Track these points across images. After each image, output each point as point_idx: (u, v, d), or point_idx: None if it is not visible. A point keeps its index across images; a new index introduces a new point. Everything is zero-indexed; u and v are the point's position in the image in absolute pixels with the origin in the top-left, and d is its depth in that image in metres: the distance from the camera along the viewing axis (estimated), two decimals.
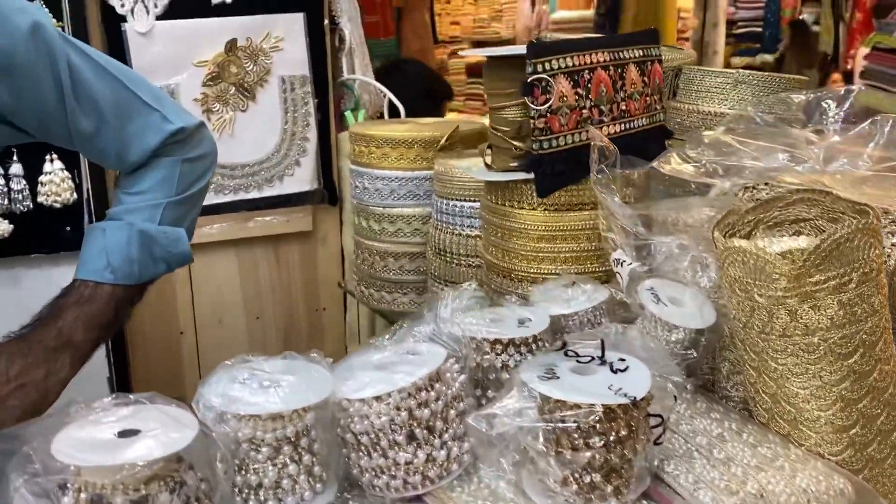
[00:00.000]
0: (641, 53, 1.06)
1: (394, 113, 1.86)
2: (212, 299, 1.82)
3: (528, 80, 0.92)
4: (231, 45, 1.70)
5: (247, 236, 1.82)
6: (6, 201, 1.47)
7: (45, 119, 0.87)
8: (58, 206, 1.52)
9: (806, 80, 1.29)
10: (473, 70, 9.99)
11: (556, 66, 0.93)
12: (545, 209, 1.01)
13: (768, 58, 5.12)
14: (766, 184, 0.83)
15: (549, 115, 0.94)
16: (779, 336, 0.67)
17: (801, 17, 5.12)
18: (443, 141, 1.40)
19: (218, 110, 1.72)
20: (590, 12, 7.40)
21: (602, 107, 1.00)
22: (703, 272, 0.81)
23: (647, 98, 1.08)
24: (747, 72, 1.25)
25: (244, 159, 1.77)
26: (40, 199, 1.51)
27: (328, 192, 1.87)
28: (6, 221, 1.48)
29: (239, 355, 0.66)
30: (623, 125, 1.03)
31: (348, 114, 1.87)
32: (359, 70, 1.89)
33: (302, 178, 1.84)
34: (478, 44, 9.94)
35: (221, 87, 1.71)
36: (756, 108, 1.00)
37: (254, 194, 1.79)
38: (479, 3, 9.44)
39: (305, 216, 1.87)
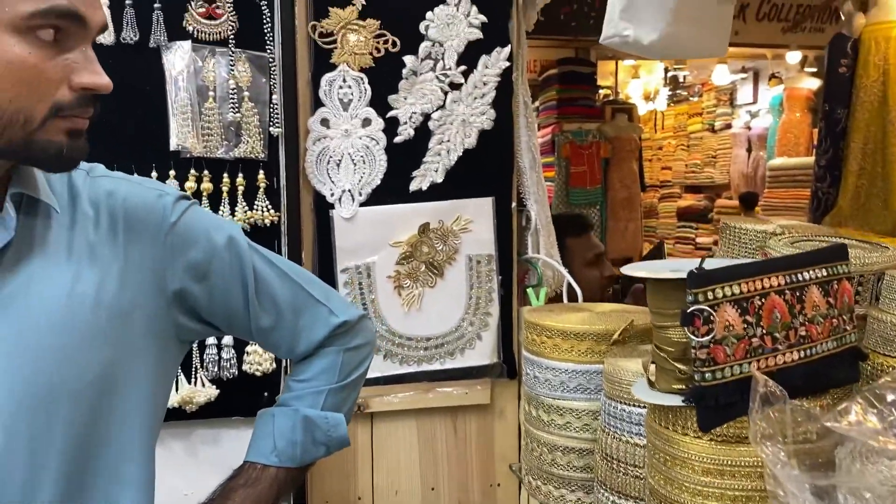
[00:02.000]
0: (826, 273, 0.98)
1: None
2: (390, 467, 1.86)
3: (689, 311, 0.88)
4: (424, 228, 1.82)
5: (427, 406, 1.87)
6: (217, 368, 1.65)
7: (233, 317, 0.99)
8: (259, 374, 1.67)
9: None
10: (683, 213, 9.78)
11: (720, 295, 0.89)
12: (711, 440, 0.94)
13: None
14: None
15: (712, 345, 0.89)
16: None
17: None
18: (616, 336, 1.37)
19: (408, 286, 1.83)
20: (809, 160, 7.02)
21: (776, 334, 0.93)
22: None
23: (834, 320, 0.98)
24: None
25: (430, 332, 1.85)
26: (245, 367, 1.67)
27: (507, 365, 1.88)
28: (213, 386, 1.65)
29: None
30: (802, 352, 0.95)
31: (530, 290, 1.90)
32: (543, 249, 1.93)
33: (483, 352, 1.87)
34: (690, 188, 9.78)
35: (413, 265, 1.83)
36: None
37: (436, 366, 1.85)
38: (691, 148, 9.36)
39: (484, 389, 1.89)
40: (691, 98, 8.52)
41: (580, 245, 2.39)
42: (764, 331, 0.92)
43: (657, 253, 2.46)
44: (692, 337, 0.88)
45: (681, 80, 7.67)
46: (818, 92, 7.17)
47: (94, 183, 0.94)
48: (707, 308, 0.88)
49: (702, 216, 8.87)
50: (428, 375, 1.85)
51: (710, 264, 0.96)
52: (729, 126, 8.49)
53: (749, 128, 8.17)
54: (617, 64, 7.31)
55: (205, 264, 0.95)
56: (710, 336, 0.88)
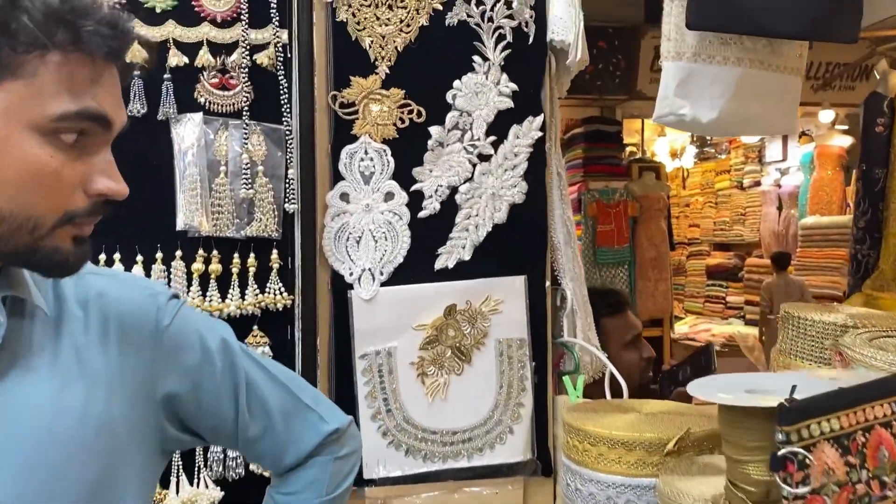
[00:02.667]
0: None
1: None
2: None
3: (780, 453, 0.72)
4: (450, 309, 1.67)
5: None
6: (221, 468, 1.49)
7: (220, 425, 0.93)
8: (267, 474, 1.51)
9: None
10: (713, 271, 9.57)
11: (816, 433, 0.73)
12: None
13: None
14: None
15: (808, 496, 0.72)
16: None
17: None
18: (670, 446, 1.20)
19: (433, 373, 1.67)
20: (844, 218, 6.84)
21: (884, 477, 0.76)
22: None
23: None
24: None
25: (456, 425, 1.68)
26: (252, 466, 1.51)
27: (542, 463, 1.70)
28: (217, 488, 1.49)
29: None
30: None
31: (566, 379, 1.73)
32: (580, 332, 1.77)
33: (515, 447, 1.70)
34: (719, 246, 9.58)
35: (438, 350, 1.67)
36: None
37: (463, 463, 1.68)
38: (720, 206, 9.20)
39: (516, 489, 1.71)
40: (719, 155, 8.40)
41: (617, 325, 2.22)
42: (870, 474, 0.75)
43: (705, 355, 2.28)
44: (785, 486, 0.72)
45: (708, 137, 7.55)
46: (850, 150, 7.02)
47: (82, 281, 0.87)
48: (802, 451, 0.71)
49: (732, 274, 8.67)
50: (454, 474, 1.68)
51: (790, 378, 0.80)
52: (758, 183, 8.35)
53: (779, 185, 8.02)
54: (643, 122, 7.23)
55: (196, 369, 0.90)
56: (806, 485, 0.71)
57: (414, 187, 1.67)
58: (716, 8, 1.22)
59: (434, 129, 1.66)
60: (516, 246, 1.72)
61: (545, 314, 1.74)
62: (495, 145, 1.70)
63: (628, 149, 7.01)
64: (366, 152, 1.65)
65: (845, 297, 5.80)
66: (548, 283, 1.74)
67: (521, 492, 1.71)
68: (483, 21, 1.67)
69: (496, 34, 1.68)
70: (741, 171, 8.53)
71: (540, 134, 1.72)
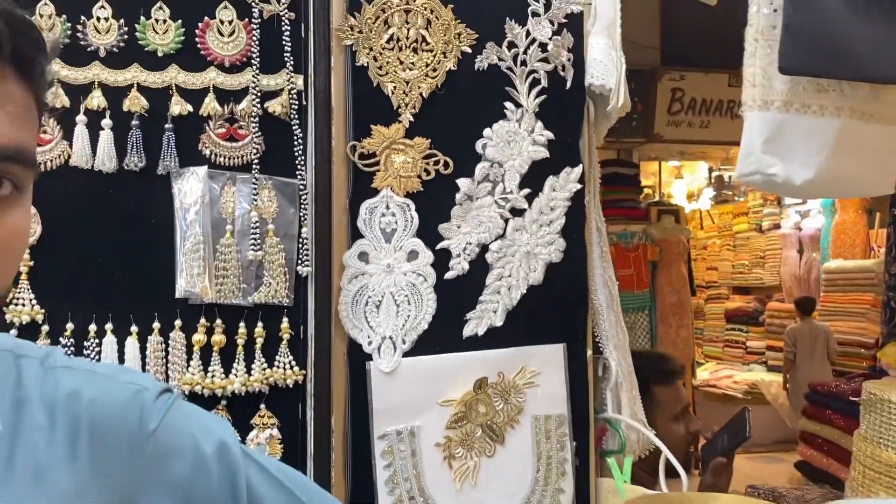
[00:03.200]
0: None
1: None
2: None
3: None
4: (481, 383, 1.49)
5: None
6: None
7: None
8: None
9: None
10: (732, 315, 9.34)
11: None
12: None
13: None
14: None
15: None
16: None
17: None
18: None
19: (461, 456, 1.49)
20: (869, 263, 6.63)
21: None
22: None
23: None
24: None
25: None
26: None
27: None
28: None
29: None
30: None
31: (611, 461, 1.54)
32: (626, 407, 1.58)
33: None
34: (738, 289, 9.37)
35: (467, 429, 1.49)
36: None
37: None
38: (738, 248, 9.02)
39: None
40: (737, 198, 8.24)
41: (669, 395, 2.03)
42: None
43: (741, 422, 2.08)
44: None
45: (726, 179, 7.41)
46: None
47: (51, 378, 0.72)
48: None
49: (752, 318, 8.46)
50: None
51: None
52: (778, 226, 8.19)
53: (800, 228, 7.85)
54: (660, 164, 7.10)
55: (188, 480, 0.74)
56: None
57: (440, 245, 1.50)
58: (813, 49, 1.05)
59: (462, 182, 1.51)
60: (554, 310, 1.54)
61: (587, 387, 1.56)
62: (529, 199, 1.54)
63: (645, 191, 6.87)
64: (387, 207, 1.49)
65: (877, 345, 5.58)
66: (589, 352, 1.56)
67: None
68: (516, 65, 1.53)
69: (530, 78, 1.53)
70: (759, 213, 8.38)
71: (578, 186, 1.56)
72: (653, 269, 6.12)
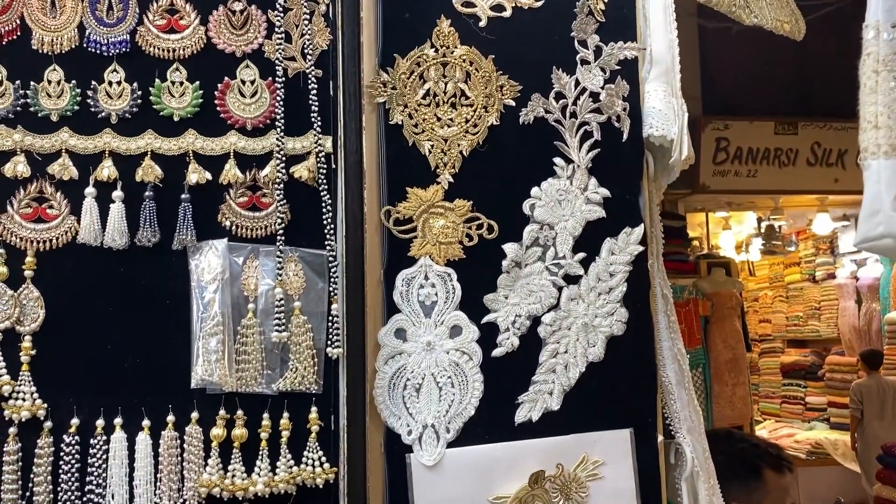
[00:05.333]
0: None
1: None
2: None
3: None
4: (537, 477, 1.31)
5: None
6: None
7: None
8: None
9: None
10: (788, 370, 8.90)
11: None
12: None
13: None
14: None
15: None
16: None
17: None
18: None
19: None
20: None
21: None
22: None
23: None
24: None
25: None
26: None
27: None
28: None
29: None
30: None
31: None
32: (703, 499, 1.37)
33: None
34: (793, 342, 8.96)
35: None
36: None
37: None
38: (791, 300, 8.64)
39: None
40: (787, 248, 7.93)
41: (781, 486, 1.81)
42: None
43: None
44: None
45: (776, 229, 7.14)
46: None
47: None
48: None
49: (810, 373, 8.05)
50: None
51: None
52: (832, 276, 7.83)
53: (856, 278, 7.49)
54: (707, 215, 6.87)
55: None
56: None
57: (486, 319, 1.34)
58: None
59: (509, 248, 1.35)
60: (618, 390, 1.36)
61: (658, 478, 1.36)
62: (585, 264, 1.37)
63: (693, 243, 6.64)
64: (426, 277, 1.34)
65: None
66: (660, 437, 1.37)
67: None
68: (565, 117, 1.38)
69: (581, 131, 1.39)
70: (812, 263, 8.05)
71: (640, 248, 1.39)
72: (704, 325, 5.85)
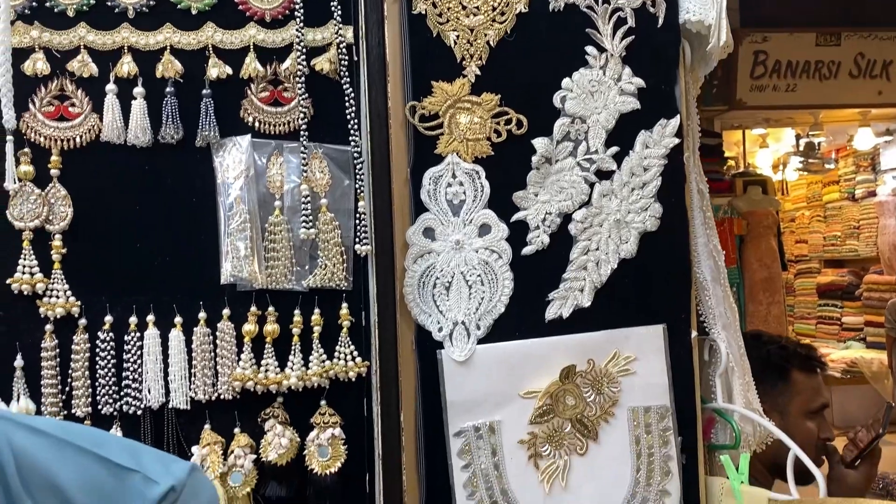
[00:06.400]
0: None
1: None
2: None
3: None
4: (568, 372, 1.30)
5: None
6: None
7: None
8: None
9: None
10: (825, 290, 8.81)
11: None
12: None
13: None
14: None
15: None
16: None
17: None
18: None
19: (548, 454, 1.30)
20: None
21: None
22: None
23: None
24: None
25: None
26: None
27: None
28: None
29: None
30: None
31: (725, 458, 1.32)
32: (738, 396, 1.36)
33: None
34: (830, 262, 8.83)
35: (554, 423, 1.30)
36: None
37: None
38: (829, 219, 8.47)
39: None
40: (827, 166, 7.71)
41: (810, 386, 1.79)
42: None
43: (884, 418, 1.78)
44: None
45: (816, 146, 6.93)
46: None
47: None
48: None
49: (847, 293, 7.94)
50: None
51: None
52: (873, 194, 7.63)
53: None
54: (744, 133, 6.69)
55: None
56: None
57: (515, 217, 1.31)
58: None
59: (539, 142, 1.31)
60: (651, 286, 1.34)
61: (692, 374, 1.35)
62: (618, 158, 1.33)
63: (729, 162, 6.49)
64: (454, 176, 1.31)
65: None
66: (694, 333, 1.35)
67: None
68: (597, 2, 1.32)
69: (614, 18, 1.32)
70: (852, 181, 7.83)
71: (676, 141, 1.34)
72: (739, 244, 5.77)
